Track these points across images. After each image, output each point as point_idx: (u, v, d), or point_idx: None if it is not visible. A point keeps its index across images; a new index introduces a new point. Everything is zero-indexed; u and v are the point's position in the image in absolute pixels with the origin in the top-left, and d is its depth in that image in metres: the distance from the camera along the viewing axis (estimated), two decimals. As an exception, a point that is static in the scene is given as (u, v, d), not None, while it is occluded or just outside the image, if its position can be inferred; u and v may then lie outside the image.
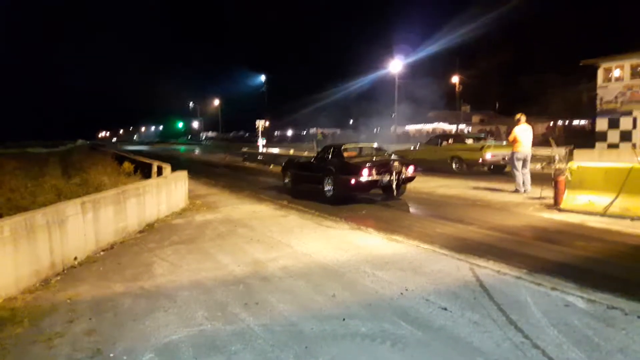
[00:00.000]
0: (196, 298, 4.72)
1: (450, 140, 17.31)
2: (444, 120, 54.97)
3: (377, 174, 10.26)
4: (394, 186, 10.47)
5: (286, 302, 4.52)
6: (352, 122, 67.56)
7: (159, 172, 12.22)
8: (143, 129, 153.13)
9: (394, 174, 10.41)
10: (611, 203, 8.07)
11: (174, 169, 12.03)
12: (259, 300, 4.58)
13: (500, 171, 15.60)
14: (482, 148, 15.38)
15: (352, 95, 59.36)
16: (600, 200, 8.27)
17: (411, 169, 10.83)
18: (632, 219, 7.61)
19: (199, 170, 21.01)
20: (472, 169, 15.75)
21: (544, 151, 15.85)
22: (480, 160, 15.36)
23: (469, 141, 16.57)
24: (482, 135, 19.62)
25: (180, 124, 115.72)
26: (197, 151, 48.59)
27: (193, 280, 5.31)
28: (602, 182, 8.38)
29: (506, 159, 14.22)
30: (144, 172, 13.80)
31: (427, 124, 55.71)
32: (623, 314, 3.95)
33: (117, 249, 6.83)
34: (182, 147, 60.57)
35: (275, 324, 4.03)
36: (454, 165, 16.27)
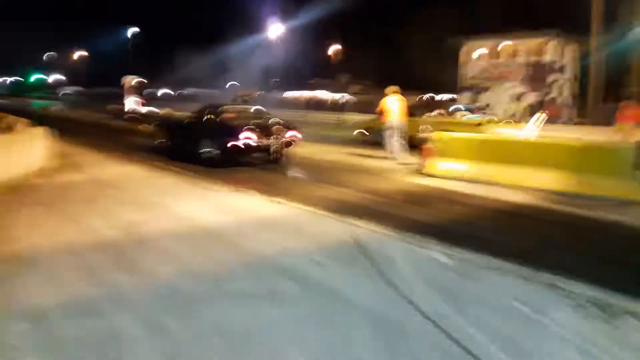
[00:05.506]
0: (64, 262, 4.36)
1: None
2: (325, 88, 55.95)
3: (257, 137, 10.17)
4: (273, 150, 10.50)
5: (163, 263, 4.38)
6: (232, 86, 65.97)
7: (11, 127, 10.93)
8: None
9: (273, 137, 10.42)
10: (469, 169, 8.94)
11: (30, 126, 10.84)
12: (134, 263, 4.37)
13: None
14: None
15: (232, 60, 57.70)
16: (460, 167, 9.10)
17: (290, 133, 10.91)
18: (486, 183, 8.52)
19: (60, 128, 19.08)
20: None
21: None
22: None
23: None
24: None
25: (37, 77, 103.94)
26: (56, 107, 44.15)
27: (59, 243, 4.89)
28: (462, 150, 9.23)
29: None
30: (-7, 126, 12.25)
31: (307, 91, 56.32)
32: (477, 267, 4.44)
33: (-37, 211, 6.04)
34: (37, 102, 54.45)
35: (152, 285, 3.89)
36: None
